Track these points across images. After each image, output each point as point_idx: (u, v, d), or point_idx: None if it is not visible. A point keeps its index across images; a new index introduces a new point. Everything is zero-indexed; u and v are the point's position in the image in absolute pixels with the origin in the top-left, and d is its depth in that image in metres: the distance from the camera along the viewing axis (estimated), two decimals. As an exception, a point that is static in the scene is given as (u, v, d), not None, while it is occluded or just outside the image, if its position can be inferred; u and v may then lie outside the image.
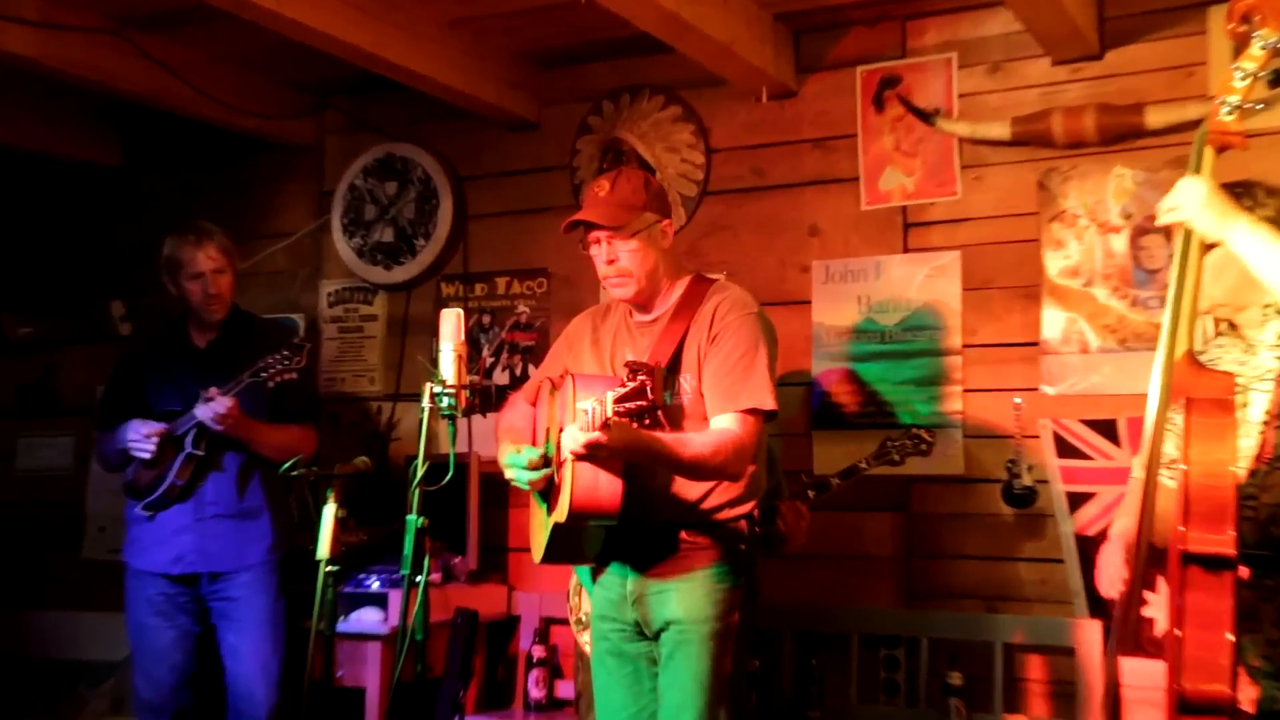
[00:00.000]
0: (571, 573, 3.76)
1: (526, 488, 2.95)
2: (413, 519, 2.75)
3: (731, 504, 2.99)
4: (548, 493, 2.97)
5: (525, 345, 4.94)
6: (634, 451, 2.72)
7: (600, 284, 3.23)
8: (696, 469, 2.86)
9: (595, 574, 3.15)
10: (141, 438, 3.90)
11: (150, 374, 4.10)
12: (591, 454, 2.65)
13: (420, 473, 2.75)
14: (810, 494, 3.68)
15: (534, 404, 3.23)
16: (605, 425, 2.54)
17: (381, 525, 4.42)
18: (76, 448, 5.59)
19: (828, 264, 4.43)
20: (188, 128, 5.17)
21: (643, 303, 3.12)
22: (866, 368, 4.30)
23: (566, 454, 2.71)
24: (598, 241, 3.07)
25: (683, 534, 2.98)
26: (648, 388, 2.50)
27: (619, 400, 2.52)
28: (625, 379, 2.60)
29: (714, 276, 3.20)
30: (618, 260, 3.04)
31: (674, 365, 3.00)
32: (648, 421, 2.59)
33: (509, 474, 2.94)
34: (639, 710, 3.03)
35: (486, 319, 5.01)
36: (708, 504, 2.98)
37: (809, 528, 3.59)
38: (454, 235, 5.07)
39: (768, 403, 2.92)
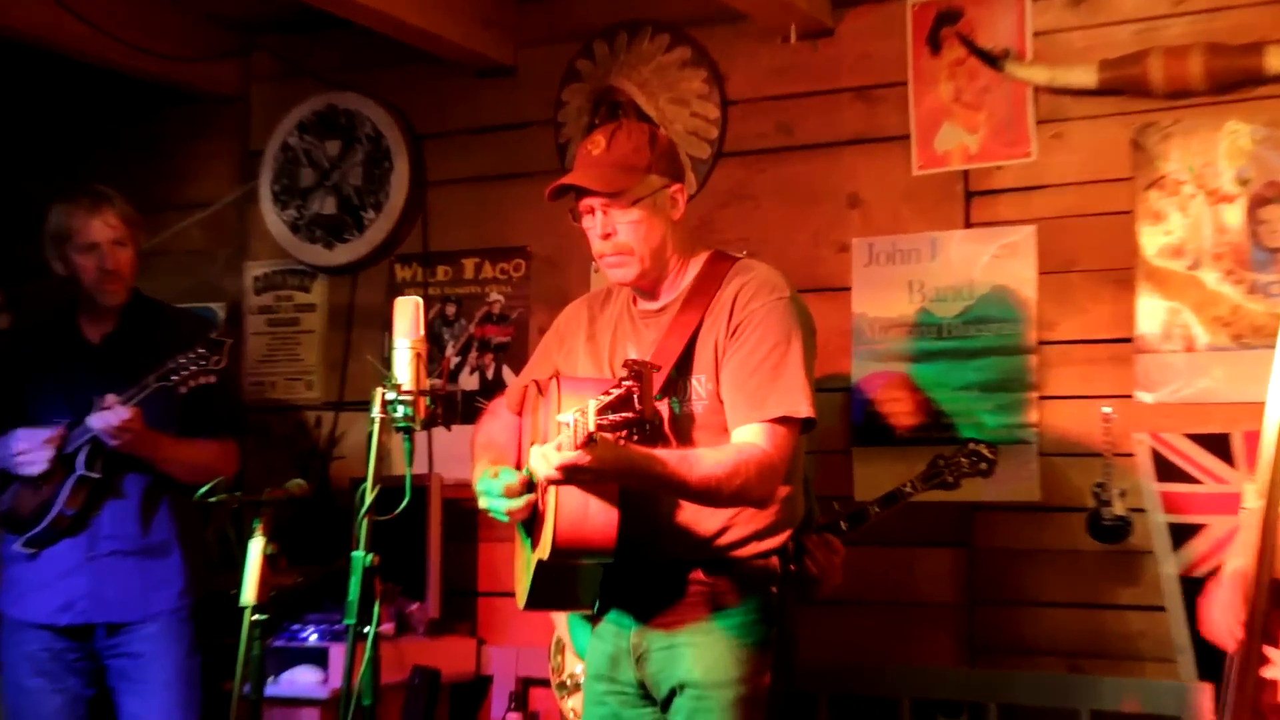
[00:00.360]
0: (554, 623, 3.75)
1: (505, 519, 2.95)
2: (359, 556, 2.75)
3: (759, 535, 2.98)
4: (532, 523, 2.97)
5: (499, 342, 4.93)
6: (624, 474, 2.70)
7: (594, 264, 3.22)
8: (708, 494, 2.83)
9: (595, 622, 3.15)
10: (36, 446, 3.87)
11: (32, 376, 4.07)
12: (568, 477, 2.65)
13: (369, 499, 2.75)
14: (843, 525, 3.65)
15: (520, 412, 3.25)
16: (589, 441, 2.52)
17: (321, 564, 4.41)
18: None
19: (871, 242, 4.42)
20: (81, 73, 5.14)
21: (647, 287, 3.12)
22: (920, 370, 4.31)
23: (540, 476, 2.73)
24: (591, 211, 3.05)
25: (697, 574, 2.96)
26: (634, 395, 2.47)
27: (602, 411, 2.50)
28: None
29: (737, 255, 3.20)
30: (615, 234, 3.03)
31: (685, 364, 2.99)
32: (636, 437, 2.57)
33: (483, 503, 2.95)
34: (641, 794, 3.04)
35: (451, 310, 5.01)
36: (728, 537, 2.97)
37: (844, 566, 3.49)
38: (411, 206, 5.06)
39: (802, 408, 2.91)
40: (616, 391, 2.49)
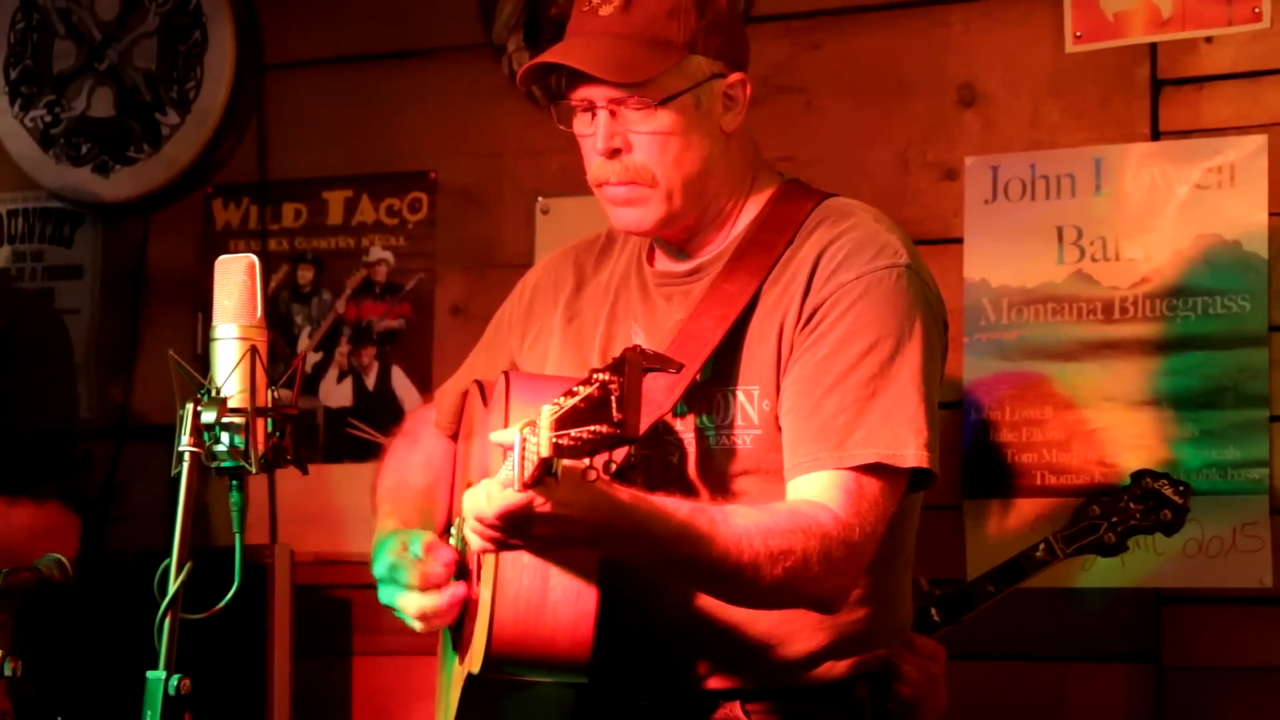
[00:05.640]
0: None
1: (417, 626, 2.56)
2: (157, 678, 2.25)
3: (836, 650, 2.54)
4: (462, 617, 2.62)
5: (387, 329, 4.18)
6: (601, 532, 2.27)
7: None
8: (737, 578, 2.35)
9: None
10: None
11: None
12: (509, 536, 2.23)
13: (174, 586, 2.28)
14: (934, 614, 3.26)
15: (455, 435, 2.89)
16: (542, 474, 2.08)
17: (92, 692, 3.84)
18: None
19: (997, 164, 3.81)
20: None
21: (677, 238, 2.66)
22: (1075, 373, 3.69)
23: (474, 542, 2.36)
24: (590, 109, 2.58)
25: (730, 711, 2.52)
26: (611, 397, 2.00)
27: (561, 422, 2.04)
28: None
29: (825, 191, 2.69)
30: (629, 151, 2.57)
31: (725, 365, 2.56)
32: (612, 470, 2.18)
33: (384, 596, 2.57)
34: None
35: (307, 275, 4.26)
36: (787, 650, 2.53)
37: (949, 682, 2.95)
38: (238, 105, 4.28)
39: (908, 453, 2.47)
40: (584, 390, 2.06)
